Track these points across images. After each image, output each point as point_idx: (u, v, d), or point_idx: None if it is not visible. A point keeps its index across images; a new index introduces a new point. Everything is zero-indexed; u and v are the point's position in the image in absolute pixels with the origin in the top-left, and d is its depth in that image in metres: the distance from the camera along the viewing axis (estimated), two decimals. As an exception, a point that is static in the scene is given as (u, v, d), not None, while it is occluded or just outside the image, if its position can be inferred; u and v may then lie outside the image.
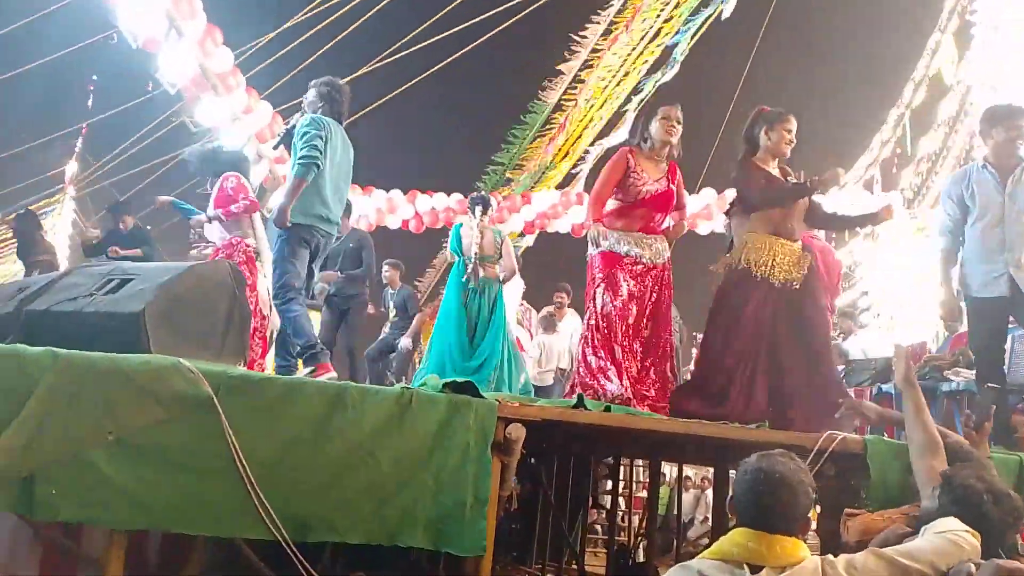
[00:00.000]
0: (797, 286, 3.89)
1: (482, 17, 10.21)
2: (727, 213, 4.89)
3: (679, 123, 4.51)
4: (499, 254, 6.14)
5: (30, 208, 10.19)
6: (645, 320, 4.48)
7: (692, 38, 11.96)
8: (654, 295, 4.50)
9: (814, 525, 3.49)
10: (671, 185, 4.55)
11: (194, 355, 2.88)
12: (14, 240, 9.46)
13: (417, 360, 8.04)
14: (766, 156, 4.06)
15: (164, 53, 7.80)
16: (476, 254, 5.96)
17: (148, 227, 7.05)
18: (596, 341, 4.38)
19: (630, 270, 4.44)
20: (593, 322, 4.43)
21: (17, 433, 2.45)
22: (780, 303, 3.89)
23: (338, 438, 2.69)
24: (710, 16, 11.85)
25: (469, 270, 5.96)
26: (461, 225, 6.31)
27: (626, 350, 4.38)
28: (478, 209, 6.18)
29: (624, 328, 4.38)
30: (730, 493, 2.11)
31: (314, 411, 2.70)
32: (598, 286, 4.44)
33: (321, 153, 4.28)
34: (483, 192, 7.90)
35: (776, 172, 4.05)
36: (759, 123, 4.08)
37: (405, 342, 7.66)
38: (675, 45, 12.02)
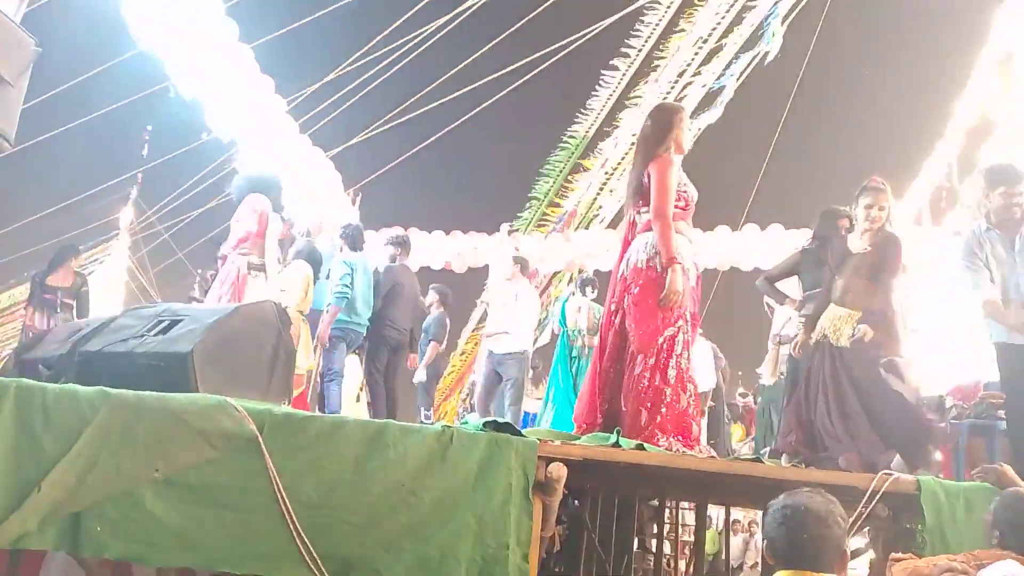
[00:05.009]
0: (847, 346, 3.96)
1: (519, 64, 10.38)
2: None
3: None
4: (598, 327, 6.92)
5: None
6: None
7: (737, 80, 11.89)
8: None
9: (867, 568, 3.38)
10: None
11: (241, 394, 2.94)
12: None
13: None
14: (858, 229, 4.13)
15: (217, 104, 8.07)
16: (587, 327, 7.11)
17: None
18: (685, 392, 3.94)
19: None
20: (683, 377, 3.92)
21: (68, 470, 2.52)
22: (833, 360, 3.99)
23: (380, 477, 2.70)
24: (755, 58, 11.80)
25: (574, 341, 7.13)
26: (567, 300, 7.38)
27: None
28: (588, 289, 7.38)
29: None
30: (763, 537, 2.07)
31: (355, 449, 2.72)
32: (684, 330, 3.90)
33: (349, 287, 6.08)
34: (590, 274, 8.92)
35: (864, 245, 4.07)
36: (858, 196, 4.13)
37: (420, 376, 7.57)
38: (719, 88, 11.95)
